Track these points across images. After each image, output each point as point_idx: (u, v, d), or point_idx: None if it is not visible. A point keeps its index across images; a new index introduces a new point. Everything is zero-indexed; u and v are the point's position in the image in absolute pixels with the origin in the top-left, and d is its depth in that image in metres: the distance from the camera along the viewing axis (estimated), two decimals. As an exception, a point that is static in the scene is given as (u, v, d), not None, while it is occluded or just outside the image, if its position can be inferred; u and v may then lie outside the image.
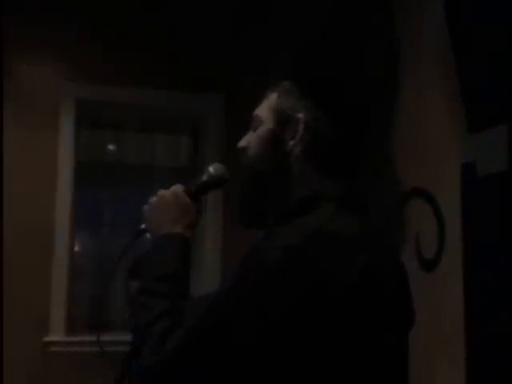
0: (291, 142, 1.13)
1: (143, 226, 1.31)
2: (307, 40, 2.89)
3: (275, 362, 0.94)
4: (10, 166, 3.62)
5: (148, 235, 1.28)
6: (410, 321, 1.12)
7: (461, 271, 2.18)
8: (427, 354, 2.35)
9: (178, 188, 1.29)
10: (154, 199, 1.29)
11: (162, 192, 1.29)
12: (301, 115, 1.13)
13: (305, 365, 0.94)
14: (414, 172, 2.60)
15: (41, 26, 3.75)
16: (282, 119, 1.16)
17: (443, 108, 2.40)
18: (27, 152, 3.69)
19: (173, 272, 1.13)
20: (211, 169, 1.33)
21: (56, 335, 3.62)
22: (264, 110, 1.20)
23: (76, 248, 3.97)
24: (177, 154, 4.32)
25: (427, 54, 2.52)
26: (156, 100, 3.97)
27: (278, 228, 1.02)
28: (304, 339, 0.93)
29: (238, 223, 1.23)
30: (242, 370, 0.95)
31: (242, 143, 1.22)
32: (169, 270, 1.13)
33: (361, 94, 1.20)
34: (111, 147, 4.28)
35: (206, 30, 3.93)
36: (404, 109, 2.70)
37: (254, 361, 0.95)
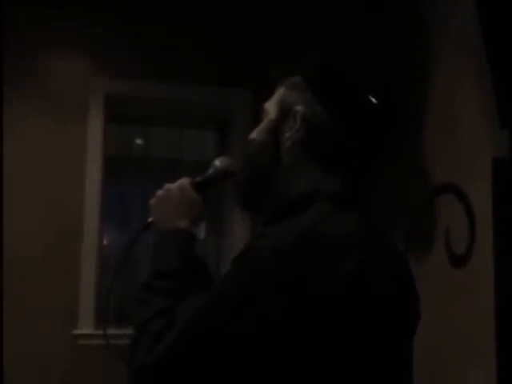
0: (287, 134, 1.14)
1: (149, 220, 1.31)
2: (335, 36, 2.87)
3: (267, 361, 0.93)
4: (38, 162, 3.66)
5: (154, 228, 1.28)
6: (413, 321, 1.09)
7: (492, 268, 2.16)
8: (457, 351, 2.33)
9: (184, 181, 1.29)
10: (160, 193, 1.29)
11: (168, 186, 1.29)
12: (299, 108, 1.14)
13: (294, 365, 0.93)
14: (445, 168, 2.58)
15: (68, 22, 3.77)
16: (283, 111, 1.17)
17: (475, 105, 2.37)
18: (56, 147, 3.73)
19: (173, 269, 1.12)
20: (217, 162, 1.33)
21: (85, 328, 3.65)
22: (271, 103, 1.23)
23: (104, 242, 4.00)
24: (204, 149, 4.33)
25: (458, 52, 2.50)
26: (183, 95, 3.97)
27: (271, 227, 1.02)
28: (293, 339, 0.92)
29: (238, 208, 1.25)
30: (233, 370, 0.95)
31: (251, 135, 1.23)
32: (169, 266, 1.12)
33: (376, 94, 1.18)
34: (139, 142, 4.31)
35: (234, 26, 3.93)
36: (435, 106, 2.67)
37: (245, 360, 0.94)
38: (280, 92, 1.22)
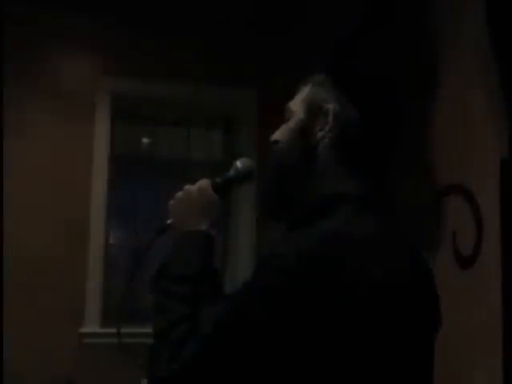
0: (319, 133, 1.10)
1: (168, 222, 1.28)
2: (344, 36, 2.86)
3: (296, 366, 0.92)
4: (45, 159, 3.67)
5: (173, 231, 1.25)
6: (435, 324, 1.08)
7: (499, 269, 2.15)
8: (463, 352, 2.32)
9: (204, 183, 1.26)
10: (179, 194, 1.26)
11: (188, 187, 1.26)
12: (331, 106, 1.10)
13: (324, 369, 0.92)
14: (453, 168, 2.57)
15: (77, 20, 3.78)
16: (312, 110, 1.13)
17: (483, 105, 2.36)
18: (62, 146, 3.73)
19: (194, 273, 1.09)
20: (238, 163, 1.30)
21: (91, 327, 3.66)
22: (296, 102, 1.18)
23: (111, 240, 4.01)
24: (211, 148, 4.33)
25: (467, 52, 2.49)
26: (190, 94, 3.98)
27: (295, 231, 1.00)
28: (321, 343, 0.91)
29: (260, 215, 1.21)
30: (260, 376, 0.93)
31: (274, 136, 1.19)
32: (190, 270, 1.10)
33: (397, 91, 1.17)
34: (146, 141, 4.31)
35: (242, 26, 3.93)
36: (443, 106, 2.66)
37: (273, 366, 0.92)
38: (306, 90, 1.18)
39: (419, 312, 1.03)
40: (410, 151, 2.67)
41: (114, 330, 3.69)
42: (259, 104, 3.98)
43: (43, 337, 3.50)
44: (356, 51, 2.67)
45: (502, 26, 2.10)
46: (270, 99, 3.86)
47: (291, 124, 1.16)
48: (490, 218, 2.25)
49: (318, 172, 1.10)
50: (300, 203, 1.11)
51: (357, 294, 0.92)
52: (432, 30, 2.71)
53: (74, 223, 3.69)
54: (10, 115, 3.55)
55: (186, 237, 1.18)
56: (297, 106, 1.17)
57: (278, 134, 1.18)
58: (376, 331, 0.94)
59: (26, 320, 3.46)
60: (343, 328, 0.91)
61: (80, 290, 3.66)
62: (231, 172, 1.29)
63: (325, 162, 1.10)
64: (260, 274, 0.97)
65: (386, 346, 0.95)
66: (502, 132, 2.17)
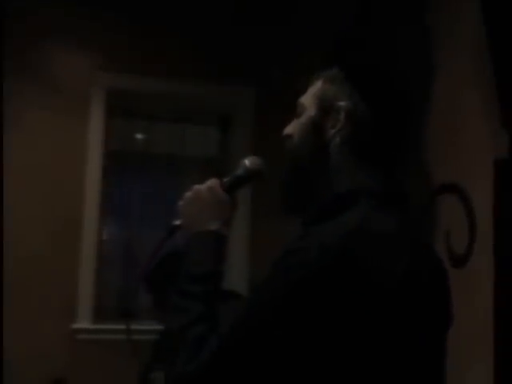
0: (332, 131, 1.10)
1: (178, 222, 1.27)
2: (343, 30, 2.86)
3: (315, 364, 0.92)
4: (39, 155, 3.66)
5: (183, 232, 1.24)
6: (448, 322, 1.09)
7: (492, 268, 2.15)
8: (455, 352, 2.33)
9: (213, 182, 1.24)
10: (189, 194, 1.24)
11: (197, 187, 1.24)
12: (343, 103, 1.10)
13: (344, 366, 0.92)
14: (447, 168, 2.57)
15: (72, 16, 3.77)
16: (324, 106, 1.13)
17: (478, 105, 2.36)
18: (57, 140, 3.72)
19: (208, 272, 1.10)
20: (247, 162, 1.27)
21: (83, 323, 3.65)
22: (308, 97, 1.17)
23: (104, 236, 4.00)
24: (206, 145, 4.33)
25: (462, 53, 2.49)
26: (186, 90, 3.97)
27: (314, 227, 0.99)
28: (345, 341, 0.91)
29: (279, 210, 1.19)
30: (278, 375, 0.93)
31: (287, 130, 1.19)
32: (204, 270, 1.10)
33: (405, 86, 1.17)
34: (140, 137, 4.30)
35: (236, 22, 3.92)
36: (438, 106, 2.66)
37: (294, 363, 0.92)
38: (318, 86, 1.17)
39: (435, 309, 1.04)
40: (406, 151, 2.68)
41: (106, 326, 3.72)
42: (257, 103, 3.98)
43: (36, 333, 3.49)
44: (357, 45, 2.67)
45: (497, 26, 2.10)
46: (267, 98, 3.86)
47: (303, 120, 1.16)
48: (484, 218, 2.25)
49: (332, 168, 1.10)
50: (316, 198, 1.11)
51: (378, 290, 0.92)
52: (428, 31, 2.71)
53: (67, 219, 3.68)
54: (6, 110, 3.54)
55: (199, 237, 1.17)
56: (308, 101, 1.16)
57: (291, 129, 1.18)
58: (397, 327, 0.95)
59: (19, 316, 3.45)
60: (364, 323, 0.91)
61: (73, 286, 3.65)
62: (240, 171, 1.28)
63: (337, 158, 1.10)
64: (280, 271, 0.96)
65: (406, 343, 0.96)
66: (496, 132, 2.18)
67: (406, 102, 1.16)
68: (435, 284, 1.06)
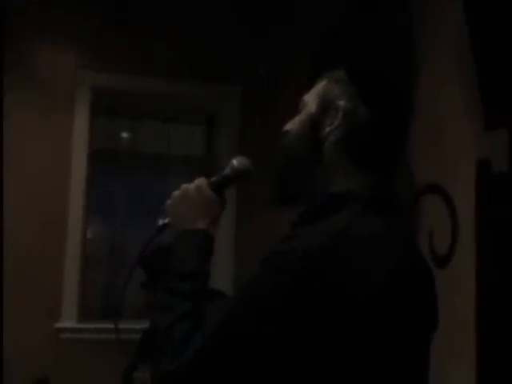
0: (328, 128, 1.11)
1: (166, 221, 1.28)
2: (328, 30, 2.86)
3: (299, 364, 0.93)
4: (23, 153, 3.64)
5: (170, 230, 1.25)
6: (433, 324, 1.10)
7: (473, 268, 2.17)
8: (437, 352, 2.34)
9: (201, 182, 1.25)
10: (176, 193, 1.25)
11: (185, 186, 1.25)
12: (342, 103, 1.11)
13: (327, 367, 0.93)
14: (430, 169, 2.59)
15: (57, 13, 3.75)
16: (324, 104, 1.14)
17: (460, 105, 2.38)
18: (41, 139, 3.71)
19: (195, 271, 1.11)
20: (235, 162, 1.29)
21: (68, 322, 3.65)
22: (311, 95, 1.19)
23: (89, 235, 3.99)
24: (192, 144, 4.33)
25: (445, 53, 2.51)
26: (171, 89, 3.97)
27: (302, 228, 1.01)
28: (327, 342, 0.92)
29: (271, 202, 1.21)
30: (263, 374, 0.94)
31: (286, 127, 1.20)
32: (191, 268, 1.11)
33: (409, 92, 1.18)
34: (126, 136, 4.29)
35: (222, 20, 3.93)
36: (421, 107, 2.68)
37: (277, 363, 0.93)
38: (321, 85, 1.18)
39: (420, 311, 1.05)
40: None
41: (90, 326, 3.71)
42: (242, 103, 3.99)
43: (20, 332, 3.47)
44: (344, 47, 2.68)
45: (480, 26, 2.12)
46: (253, 98, 3.87)
47: (302, 116, 1.17)
48: (466, 219, 2.27)
49: (324, 166, 1.11)
50: (307, 197, 1.12)
51: (361, 292, 0.93)
52: (411, 30, 2.73)
53: (52, 218, 3.67)
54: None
55: (186, 236, 1.18)
56: (310, 99, 1.18)
57: (290, 125, 1.20)
58: (381, 330, 0.95)
59: (3, 315, 3.43)
60: (347, 325, 0.92)
61: (57, 285, 3.64)
62: (228, 171, 1.29)
63: (330, 157, 1.11)
64: (265, 272, 0.97)
65: (390, 345, 0.97)
66: (479, 133, 2.20)
67: (407, 107, 1.17)
68: (421, 286, 1.06)
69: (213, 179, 1.28)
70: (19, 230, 3.57)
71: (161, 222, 1.29)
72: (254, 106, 3.86)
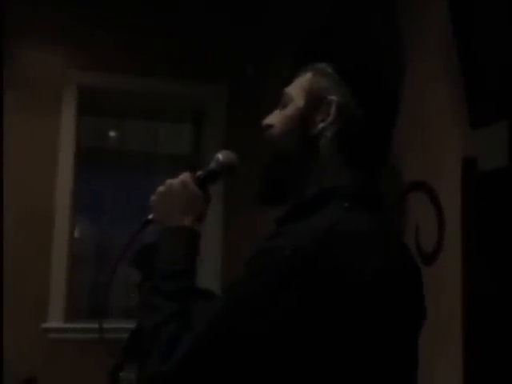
0: (321, 125, 1.08)
1: (150, 217, 1.26)
2: (314, 27, 2.87)
3: (288, 363, 0.92)
4: (10, 152, 3.62)
5: (155, 226, 1.23)
6: (420, 317, 1.10)
7: (460, 266, 2.18)
8: (424, 351, 2.36)
9: (186, 177, 1.23)
10: (161, 189, 1.23)
11: (169, 181, 1.23)
12: (334, 97, 1.08)
13: (317, 364, 0.92)
14: (416, 166, 2.60)
15: (43, 12, 3.74)
16: (314, 99, 1.10)
17: (446, 103, 2.39)
18: (28, 138, 3.69)
19: (181, 270, 1.09)
20: (220, 156, 1.27)
21: (55, 322, 3.63)
22: (295, 89, 1.14)
23: (76, 235, 3.98)
24: (179, 142, 4.32)
25: (431, 51, 2.52)
26: (158, 87, 3.97)
27: (288, 226, 0.99)
28: (316, 339, 0.91)
29: (256, 201, 1.17)
30: (253, 374, 0.93)
31: (268, 120, 1.16)
32: (176, 267, 1.09)
33: (395, 82, 1.17)
34: (113, 134, 4.28)
35: (208, 18, 3.92)
36: (407, 105, 2.68)
37: (267, 363, 0.92)
38: (307, 78, 1.13)
39: (409, 307, 1.04)
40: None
41: (77, 326, 3.69)
42: (229, 101, 3.99)
43: (7, 332, 3.45)
44: (340, 40, 2.68)
45: (465, 25, 2.13)
46: (240, 97, 3.87)
47: (289, 111, 1.13)
48: (452, 217, 2.29)
49: (318, 164, 1.08)
50: (297, 195, 1.10)
51: (350, 289, 0.92)
52: (397, 29, 2.73)
53: (39, 216, 3.65)
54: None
55: (171, 233, 1.16)
56: (296, 92, 1.13)
57: (273, 119, 1.16)
58: (370, 325, 0.94)
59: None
60: (337, 321, 0.92)
61: (44, 284, 3.62)
62: (212, 165, 1.27)
63: (326, 154, 1.08)
64: (254, 271, 0.96)
65: (378, 342, 0.96)
66: (464, 131, 2.21)
67: (397, 101, 1.15)
68: (409, 282, 1.06)
69: (198, 174, 1.26)
70: (5, 228, 3.54)
71: (149, 217, 1.27)
72: (240, 105, 3.86)
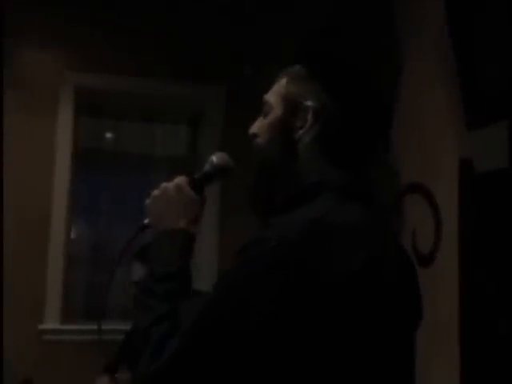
0: (300, 131, 1.10)
1: (146, 222, 1.25)
2: (314, 28, 2.87)
3: (276, 359, 0.91)
4: (8, 153, 3.61)
5: (152, 230, 1.23)
6: (416, 314, 1.09)
7: (456, 267, 2.19)
8: (421, 350, 2.36)
9: (181, 180, 1.23)
10: (156, 192, 1.23)
11: (164, 184, 1.23)
12: (310, 103, 1.09)
13: (305, 360, 0.91)
14: (413, 168, 2.60)
15: (41, 13, 3.73)
16: (291, 106, 1.12)
17: (442, 105, 2.40)
18: (25, 138, 3.68)
19: (175, 272, 1.09)
20: (214, 158, 1.27)
21: (51, 323, 3.62)
22: (273, 96, 1.16)
23: (72, 235, 3.97)
24: (176, 143, 4.31)
25: (428, 52, 2.52)
26: (155, 89, 3.96)
27: (276, 219, 0.99)
28: (304, 334, 0.90)
29: (248, 209, 1.18)
30: (242, 371, 0.93)
31: (253, 129, 1.18)
32: (170, 269, 1.10)
33: (374, 81, 1.17)
34: (110, 135, 4.27)
35: (206, 19, 3.92)
36: (404, 106, 2.69)
37: (255, 359, 0.92)
38: (282, 84, 1.16)
39: (399, 299, 1.02)
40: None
41: (74, 327, 3.68)
42: (227, 102, 3.98)
43: (3, 333, 3.44)
44: (328, 41, 2.68)
45: (461, 26, 2.13)
46: (237, 98, 3.86)
47: (269, 119, 1.15)
48: (449, 218, 2.29)
49: (300, 167, 1.10)
50: (283, 193, 1.10)
51: (336, 281, 0.91)
52: (394, 30, 2.74)
53: (35, 217, 3.64)
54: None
55: (166, 235, 1.17)
56: (274, 99, 1.15)
57: (256, 128, 1.17)
58: (359, 319, 0.93)
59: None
60: (323, 314, 0.90)
61: (40, 286, 3.61)
62: (207, 167, 1.27)
63: (306, 158, 1.10)
64: (240, 264, 0.96)
65: (369, 334, 0.95)
66: (461, 132, 2.21)
67: (376, 98, 1.16)
68: (402, 278, 1.04)
69: (193, 177, 1.26)
70: (5, 229, 3.53)
71: (146, 222, 1.27)
72: (238, 107, 3.85)
